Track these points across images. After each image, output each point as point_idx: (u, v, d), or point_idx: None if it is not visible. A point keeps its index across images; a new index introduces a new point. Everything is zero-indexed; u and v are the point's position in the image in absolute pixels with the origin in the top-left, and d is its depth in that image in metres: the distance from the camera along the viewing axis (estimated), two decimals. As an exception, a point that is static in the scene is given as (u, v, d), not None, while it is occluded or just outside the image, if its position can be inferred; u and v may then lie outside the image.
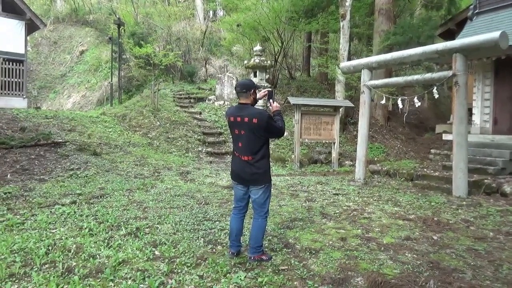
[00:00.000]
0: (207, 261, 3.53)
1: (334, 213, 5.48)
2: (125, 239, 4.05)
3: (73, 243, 3.83)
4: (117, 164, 8.69)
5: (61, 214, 4.85)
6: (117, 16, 18.08)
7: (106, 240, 3.98)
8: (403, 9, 19.92)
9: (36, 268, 3.26)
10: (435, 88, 7.08)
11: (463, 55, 6.67)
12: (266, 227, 3.97)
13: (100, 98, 18.36)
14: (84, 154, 8.80)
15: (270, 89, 3.78)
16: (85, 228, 4.31)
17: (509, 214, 5.52)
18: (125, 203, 5.61)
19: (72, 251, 3.63)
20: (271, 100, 3.73)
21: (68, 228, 4.34)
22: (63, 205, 5.31)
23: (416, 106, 7.57)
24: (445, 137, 9.98)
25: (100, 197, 5.92)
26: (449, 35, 11.24)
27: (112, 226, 4.48)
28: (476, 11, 9.81)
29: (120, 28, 16.26)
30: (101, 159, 8.79)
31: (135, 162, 9.15)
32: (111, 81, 16.34)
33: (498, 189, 6.97)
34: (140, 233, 4.26)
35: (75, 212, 4.96)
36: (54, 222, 4.53)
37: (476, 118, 9.65)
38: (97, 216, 4.84)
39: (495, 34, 6.05)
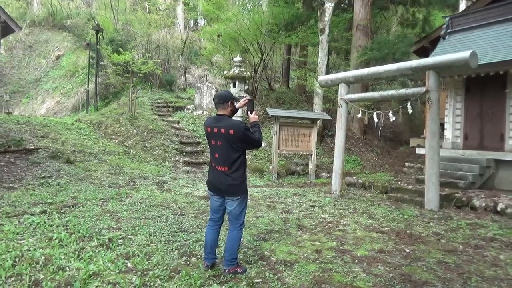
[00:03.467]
0: (180, 274, 3.48)
1: (310, 225, 5.51)
2: (97, 251, 3.95)
3: (41, 255, 3.70)
4: (91, 172, 8.49)
5: (30, 224, 4.69)
6: (96, 22, 17.85)
7: (77, 252, 3.87)
8: (380, 25, 20.55)
9: (1, 282, 3.13)
10: (409, 103, 7.30)
11: (436, 72, 6.91)
12: (242, 239, 3.96)
13: (75, 104, 17.98)
14: (56, 161, 8.57)
15: (250, 98, 3.79)
16: (55, 239, 4.17)
17: (478, 228, 5.70)
18: (98, 213, 5.48)
19: (40, 263, 3.51)
20: (249, 111, 3.75)
21: (37, 239, 4.19)
22: (32, 214, 5.13)
23: (391, 120, 7.77)
24: (419, 151, 10.25)
25: (72, 206, 5.76)
26: (423, 52, 11.61)
27: (84, 237, 4.36)
28: (449, 31, 10.19)
29: (99, 34, 16.06)
30: (75, 167, 8.57)
31: (110, 170, 8.97)
32: (88, 87, 16.06)
33: (468, 202, 7.19)
34: (112, 244, 4.16)
35: (45, 222, 4.80)
36: (22, 233, 4.37)
37: (448, 133, 9.97)
38: (68, 227, 4.70)
39: (466, 54, 6.31)
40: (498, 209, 6.67)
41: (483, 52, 7.99)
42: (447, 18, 10.38)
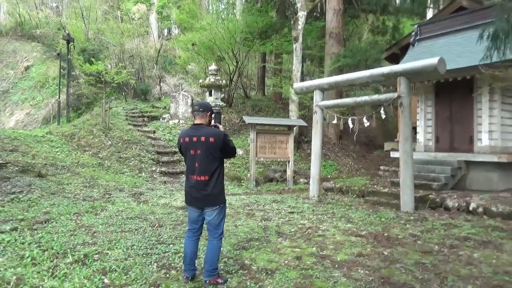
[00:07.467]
0: (160, 287, 3.41)
1: (289, 232, 5.52)
2: (72, 268, 3.82)
3: (13, 275, 3.54)
4: (64, 186, 8.24)
5: (0, 243, 4.48)
6: (67, 31, 17.43)
7: (51, 270, 3.73)
8: (352, 33, 21.03)
9: (-31, 304, 2.98)
10: (382, 108, 7.48)
11: (407, 78, 7.12)
12: (222, 249, 3.92)
13: (46, 116, 17.45)
14: (27, 176, 8.26)
15: (218, 110, 3.83)
16: (27, 257, 4.01)
17: (452, 227, 5.86)
18: (72, 228, 5.31)
19: (11, 284, 3.35)
20: (217, 123, 3.76)
21: (7, 258, 4.01)
22: (2, 232, 4.90)
23: (365, 125, 7.93)
24: (393, 154, 10.47)
25: (45, 222, 5.56)
26: (394, 58, 11.93)
27: (58, 253, 4.21)
28: (418, 38, 10.53)
29: (70, 44, 15.66)
30: (47, 181, 8.29)
31: (84, 183, 8.73)
32: (59, 98, 15.61)
33: (441, 203, 7.39)
34: (88, 260, 4.04)
35: (16, 240, 4.60)
36: (-9, 252, 4.18)
37: (420, 137, 10.24)
38: (40, 243, 4.52)
39: (434, 60, 6.53)
40: (470, 208, 6.89)
41: (450, 58, 8.26)
42: (416, 26, 10.73)
